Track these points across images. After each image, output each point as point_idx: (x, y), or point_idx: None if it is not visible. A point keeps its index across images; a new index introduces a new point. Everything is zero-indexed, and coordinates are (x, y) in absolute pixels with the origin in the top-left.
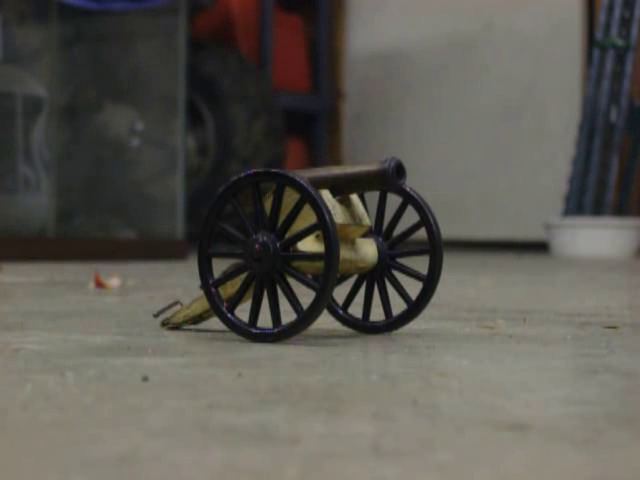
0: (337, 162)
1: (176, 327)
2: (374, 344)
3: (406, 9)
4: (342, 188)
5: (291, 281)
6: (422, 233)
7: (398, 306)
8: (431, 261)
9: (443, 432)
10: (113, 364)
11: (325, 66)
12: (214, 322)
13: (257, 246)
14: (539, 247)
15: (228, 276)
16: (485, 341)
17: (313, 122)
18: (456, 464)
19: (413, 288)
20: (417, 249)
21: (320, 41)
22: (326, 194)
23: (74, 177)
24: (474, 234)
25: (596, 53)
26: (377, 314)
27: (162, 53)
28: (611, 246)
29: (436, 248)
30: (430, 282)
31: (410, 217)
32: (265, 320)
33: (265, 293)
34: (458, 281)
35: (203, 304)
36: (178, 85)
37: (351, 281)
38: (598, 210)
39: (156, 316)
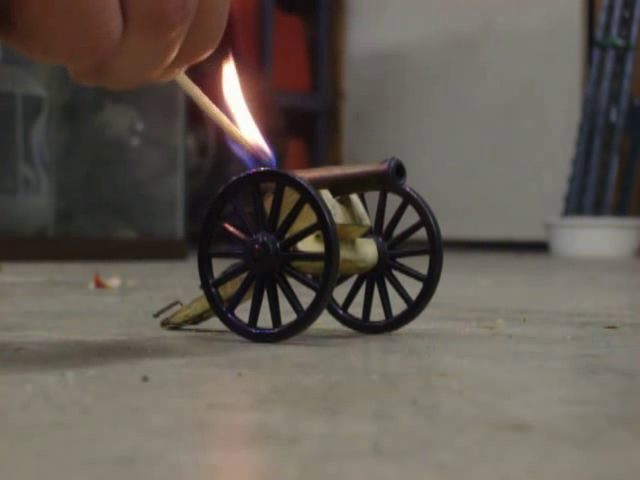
0: (337, 162)
1: (176, 327)
2: (374, 344)
3: (406, 9)
4: (342, 188)
5: (291, 281)
6: (422, 233)
7: (398, 306)
8: (431, 261)
9: (443, 432)
10: (113, 364)
11: (325, 66)
12: (214, 322)
13: (257, 246)
14: (539, 247)
15: (228, 276)
16: (485, 341)
17: (313, 122)
18: (456, 464)
19: (413, 288)
20: (417, 249)
21: (320, 41)
22: (326, 194)
23: (74, 177)
24: (474, 234)
25: (596, 53)
26: (377, 314)
27: None
28: (611, 246)
29: (436, 248)
30: (430, 282)
31: (410, 217)
32: (265, 320)
33: (265, 293)
34: (458, 281)
35: (203, 304)
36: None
37: (351, 281)
38: (598, 210)
39: (156, 316)
